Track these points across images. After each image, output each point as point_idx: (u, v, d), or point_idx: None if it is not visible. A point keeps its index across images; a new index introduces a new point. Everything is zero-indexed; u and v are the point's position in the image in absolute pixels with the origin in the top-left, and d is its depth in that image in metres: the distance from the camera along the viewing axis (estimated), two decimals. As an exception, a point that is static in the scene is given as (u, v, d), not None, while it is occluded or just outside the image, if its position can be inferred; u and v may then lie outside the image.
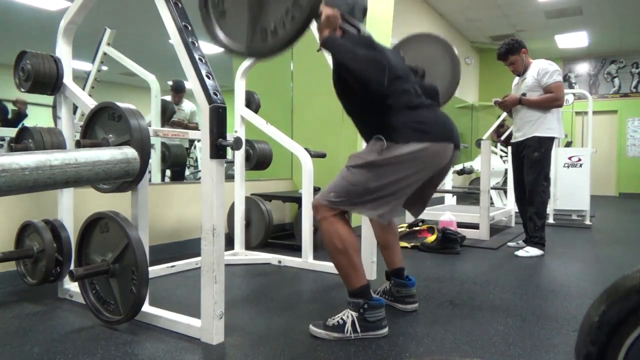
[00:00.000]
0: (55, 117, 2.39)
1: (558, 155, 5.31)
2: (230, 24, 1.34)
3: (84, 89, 3.63)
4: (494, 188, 6.02)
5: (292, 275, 2.87)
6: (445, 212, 4.20)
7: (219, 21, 1.37)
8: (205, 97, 1.71)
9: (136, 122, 1.84)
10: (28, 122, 6.36)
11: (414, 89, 1.85)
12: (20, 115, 6.10)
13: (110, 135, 1.91)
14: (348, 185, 1.78)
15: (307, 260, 3.03)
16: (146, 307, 1.93)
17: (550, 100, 3.40)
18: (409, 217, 4.19)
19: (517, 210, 3.94)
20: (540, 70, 3.42)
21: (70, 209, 2.32)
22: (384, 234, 2.18)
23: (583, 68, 10.39)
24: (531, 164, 3.45)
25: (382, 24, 4.67)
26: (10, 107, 6.43)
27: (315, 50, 2.91)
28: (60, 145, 2.24)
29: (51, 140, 2.22)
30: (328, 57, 2.86)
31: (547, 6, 7.51)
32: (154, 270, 2.65)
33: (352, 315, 1.79)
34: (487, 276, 2.84)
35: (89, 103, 2.11)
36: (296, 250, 3.34)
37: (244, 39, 1.29)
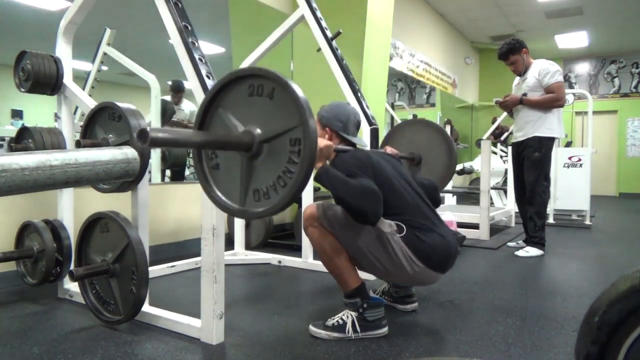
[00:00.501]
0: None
1: (558, 155, 5.31)
2: (224, 180, 1.33)
3: (84, 89, 3.63)
4: (494, 188, 6.02)
5: (292, 275, 2.87)
6: (445, 212, 4.20)
7: (212, 174, 1.36)
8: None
9: (136, 122, 1.84)
10: (28, 122, 6.36)
11: (416, 203, 1.83)
12: None
13: (110, 135, 1.91)
14: (348, 224, 1.75)
15: (307, 260, 3.03)
16: (146, 307, 1.93)
17: (551, 100, 3.40)
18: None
19: (517, 210, 3.94)
20: (542, 70, 3.42)
21: (70, 209, 2.31)
22: None
23: (583, 68, 10.39)
24: (531, 163, 3.45)
25: (382, 25, 4.67)
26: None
27: (315, 50, 2.93)
28: (60, 145, 2.24)
29: (51, 140, 2.22)
30: (328, 57, 2.87)
31: (547, 6, 7.50)
32: (154, 270, 2.65)
33: (351, 315, 1.79)
34: (487, 276, 2.84)
35: (89, 103, 2.11)
36: (296, 250, 3.34)
37: (237, 198, 1.29)
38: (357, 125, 2.02)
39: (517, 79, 3.70)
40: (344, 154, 1.82)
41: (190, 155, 5.42)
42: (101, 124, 1.96)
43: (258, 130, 1.24)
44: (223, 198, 1.32)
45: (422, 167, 2.46)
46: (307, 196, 3.02)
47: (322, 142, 1.71)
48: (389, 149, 2.18)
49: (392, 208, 1.75)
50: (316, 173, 1.69)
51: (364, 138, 2.67)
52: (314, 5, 2.90)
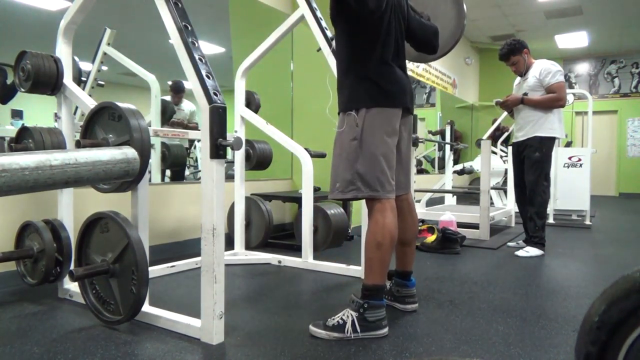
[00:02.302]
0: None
1: (558, 155, 5.31)
2: None
3: (84, 89, 3.63)
4: (494, 188, 6.02)
5: (292, 275, 2.87)
6: (445, 212, 4.20)
7: None
8: (205, 97, 1.72)
9: (136, 122, 1.84)
10: (28, 123, 6.36)
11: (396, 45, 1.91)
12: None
13: (110, 135, 1.91)
14: (352, 169, 1.82)
15: (307, 260, 3.03)
16: (146, 307, 1.93)
17: (552, 100, 3.40)
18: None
19: (517, 210, 3.94)
20: (543, 70, 3.42)
21: (70, 209, 2.31)
22: (406, 231, 2.09)
23: (583, 68, 10.39)
24: (532, 163, 3.45)
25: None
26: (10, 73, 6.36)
27: (315, 50, 2.93)
28: (60, 145, 2.24)
29: (51, 140, 2.22)
30: (328, 57, 2.87)
31: (547, 6, 7.50)
32: (154, 270, 2.65)
33: (352, 315, 1.79)
34: (487, 276, 2.84)
35: (89, 103, 2.11)
36: (296, 250, 3.34)
37: None
38: None
39: (518, 79, 3.70)
40: None
41: (190, 155, 5.43)
42: (101, 124, 1.96)
43: None
44: None
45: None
46: (308, 197, 3.02)
47: None
48: None
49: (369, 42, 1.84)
50: None
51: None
52: (314, 5, 2.90)
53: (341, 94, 1.96)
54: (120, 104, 1.88)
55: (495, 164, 6.16)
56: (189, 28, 1.82)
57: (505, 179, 6.08)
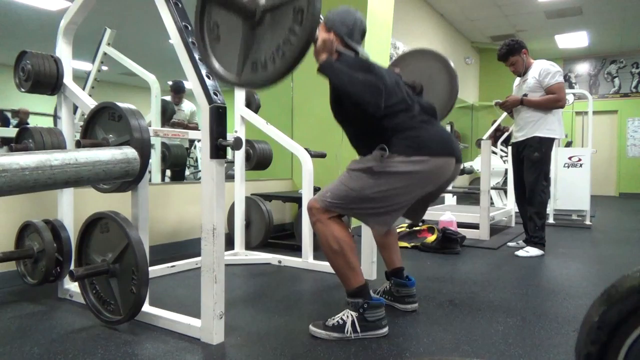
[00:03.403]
0: (56, 123, 2.39)
1: (558, 155, 5.31)
2: (223, 51, 1.33)
3: (84, 89, 3.63)
4: (494, 188, 6.02)
5: (292, 275, 2.87)
6: (445, 212, 4.20)
7: (212, 45, 1.36)
8: (206, 97, 1.71)
9: (136, 122, 1.84)
10: (28, 122, 6.37)
11: (413, 108, 1.84)
12: (22, 124, 6.13)
13: (110, 135, 1.91)
14: (346, 189, 1.78)
15: (307, 260, 3.03)
16: (146, 307, 1.93)
17: (552, 101, 3.40)
18: (408, 219, 4.19)
19: (517, 210, 3.94)
20: (542, 71, 3.42)
21: (70, 209, 2.31)
22: (382, 235, 2.17)
23: (583, 68, 10.39)
24: (531, 164, 3.45)
25: (382, 24, 4.67)
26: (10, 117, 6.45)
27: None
28: (60, 145, 2.24)
29: (51, 140, 2.22)
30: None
31: (547, 6, 7.50)
32: (154, 270, 2.65)
33: (351, 315, 1.79)
34: (487, 276, 2.84)
35: (89, 103, 2.11)
36: (296, 250, 3.34)
37: (234, 69, 1.29)
38: (363, 34, 1.97)
39: (518, 79, 3.70)
40: (347, 56, 1.82)
41: (190, 155, 5.43)
42: (101, 124, 1.96)
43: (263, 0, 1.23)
44: (220, 68, 1.32)
45: (424, 97, 2.41)
46: (308, 197, 3.02)
47: (325, 34, 1.74)
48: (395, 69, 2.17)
49: (388, 107, 1.74)
50: (320, 64, 1.71)
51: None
52: (314, 5, 2.90)
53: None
54: (120, 104, 1.88)
55: (495, 164, 6.17)
56: (189, 28, 1.82)
57: (505, 179, 6.09)
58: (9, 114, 6.36)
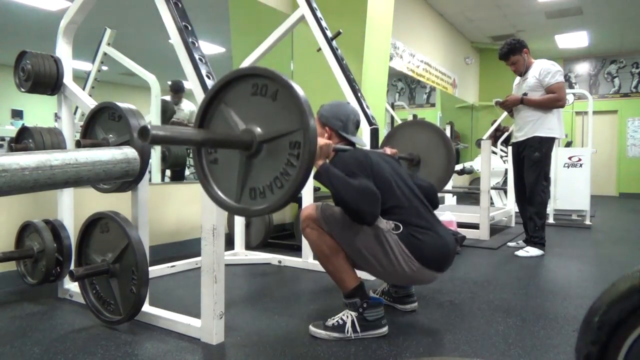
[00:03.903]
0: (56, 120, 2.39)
1: (558, 155, 5.31)
2: (221, 175, 1.33)
3: (84, 89, 3.63)
4: (494, 188, 6.02)
5: (292, 275, 2.87)
6: (445, 212, 4.20)
7: (210, 167, 1.36)
8: (205, 97, 1.71)
9: (136, 122, 1.84)
10: (28, 122, 6.37)
11: (412, 204, 1.83)
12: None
13: (111, 135, 1.91)
14: (343, 221, 1.75)
15: (307, 260, 3.03)
16: (146, 307, 1.93)
17: (552, 101, 3.40)
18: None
19: (517, 210, 3.94)
20: (543, 70, 3.42)
21: (70, 209, 2.32)
22: None
23: (583, 68, 10.39)
24: (531, 163, 3.45)
25: (382, 24, 4.67)
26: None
27: (315, 50, 2.93)
28: (60, 145, 2.24)
29: (51, 140, 2.22)
30: (328, 57, 2.87)
31: (547, 6, 7.50)
32: (154, 270, 2.65)
33: (351, 315, 1.79)
34: (487, 276, 2.84)
35: (89, 103, 2.11)
36: (296, 250, 3.34)
37: (233, 194, 1.29)
38: (357, 125, 2.03)
39: (518, 78, 3.70)
40: (344, 153, 1.83)
41: (191, 155, 5.43)
42: (101, 124, 1.96)
43: (259, 130, 1.24)
44: (220, 193, 1.32)
45: (421, 168, 2.47)
46: (307, 197, 3.02)
47: (322, 140, 1.72)
48: (388, 150, 2.18)
49: (390, 208, 1.76)
50: (316, 171, 1.69)
51: (363, 138, 2.67)
52: (314, 5, 2.90)
53: None
54: (120, 104, 1.88)
55: (495, 164, 6.16)
56: (189, 28, 1.82)
57: (505, 179, 6.08)
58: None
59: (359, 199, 1.64)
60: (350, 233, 1.75)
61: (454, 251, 1.84)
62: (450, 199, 6.06)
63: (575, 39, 9.17)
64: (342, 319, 1.80)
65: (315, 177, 1.70)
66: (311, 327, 1.84)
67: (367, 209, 1.65)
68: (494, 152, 6.48)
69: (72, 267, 2.18)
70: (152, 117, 4.25)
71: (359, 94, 2.77)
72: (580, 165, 5.38)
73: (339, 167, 1.73)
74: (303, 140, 1.14)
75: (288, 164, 1.18)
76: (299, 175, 1.14)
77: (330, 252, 1.78)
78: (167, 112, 4.97)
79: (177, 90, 5.25)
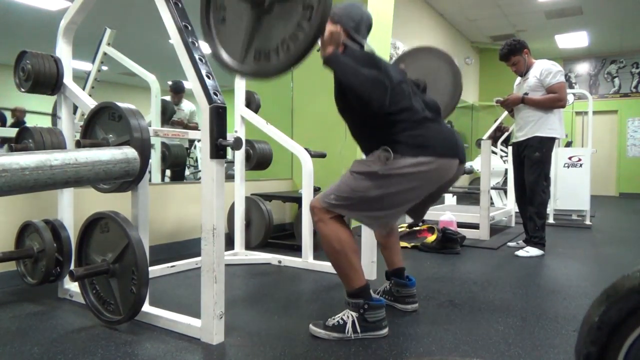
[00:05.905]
0: (55, 123, 2.39)
1: (558, 155, 5.31)
2: (227, 35, 1.31)
3: (84, 89, 3.63)
4: (494, 188, 6.02)
5: (292, 275, 2.87)
6: (445, 212, 4.20)
7: (216, 27, 1.34)
8: (205, 97, 1.71)
9: (136, 122, 1.84)
10: (28, 122, 6.38)
11: (417, 104, 1.83)
12: (19, 123, 6.15)
13: (110, 135, 1.91)
14: (349, 190, 1.77)
15: (307, 260, 3.03)
16: (146, 307, 1.93)
17: (553, 101, 3.40)
18: (409, 218, 4.19)
19: (517, 210, 3.94)
20: (543, 70, 3.42)
21: (70, 209, 2.31)
22: (384, 235, 2.18)
23: (583, 68, 10.39)
24: (532, 163, 3.45)
25: (382, 24, 4.67)
26: (8, 115, 6.47)
27: (315, 50, 2.92)
28: (60, 145, 2.23)
29: (51, 140, 2.22)
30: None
31: (547, 6, 7.50)
32: (154, 270, 2.65)
33: (352, 316, 1.79)
34: (487, 276, 2.84)
35: (89, 103, 2.11)
36: (296, 250, 3.34)
37: (237, 55, 1.27)
38: (369, 28, 1.99)
39: (518, 79, 3.70)
40: (354, 49, 1.82)
41: (190, 155, 5.43)
42: (101, 124, 1.96)
43: None
44: (223, 53, 1.30)
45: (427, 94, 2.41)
46: (308, 197, 3.02)
47: (334, 27, 1.73)
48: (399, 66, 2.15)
49: (392, 104, 1.73)
50: (326, 57, 1.69)
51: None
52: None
53: None
54: (120, 104, 1.88)
55: (495, 164, 6.16)
56: (189, 28, 1.82)
57: (505, 179, 6.08)
58: (6, 113, 6.37)
59: (368, 86, 1.63)
60: (357, 195, 1.75)
61: (460, 139, 1.87)
62: (450, 199, 6.06)
63: (575, 39, 9.17)
64: (342, 319, 1.80)
65: (325, 63, 1.69)
66: (311, 327, 1.84)
67: (375, 96, 1.64)
68: (494, 152, 6.48)
69: (72, 267, 2.18)
70: (152, 117, 4.25)
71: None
72: (580, 165, 5.38)
73: (349, 58, 1.72)
74: (317, 3, 1.13)
75: (299, 27, 1.16)
76: (308, 36, 1.13)
77: (340, 247, 1.77)
78: (167, 112, 4.97)
79: (178, 91, 5.25)
